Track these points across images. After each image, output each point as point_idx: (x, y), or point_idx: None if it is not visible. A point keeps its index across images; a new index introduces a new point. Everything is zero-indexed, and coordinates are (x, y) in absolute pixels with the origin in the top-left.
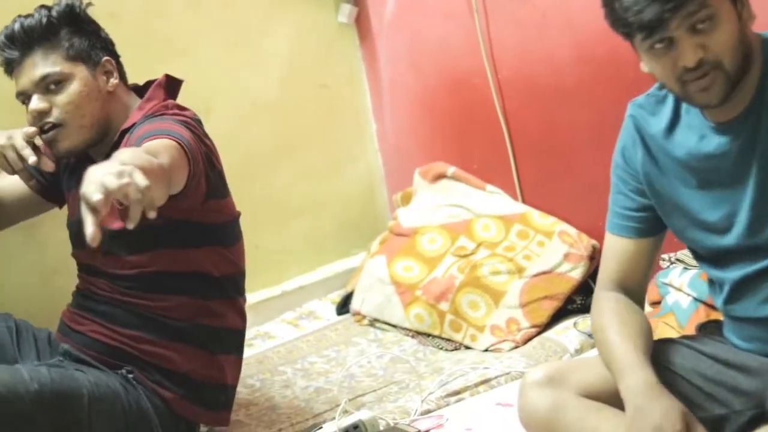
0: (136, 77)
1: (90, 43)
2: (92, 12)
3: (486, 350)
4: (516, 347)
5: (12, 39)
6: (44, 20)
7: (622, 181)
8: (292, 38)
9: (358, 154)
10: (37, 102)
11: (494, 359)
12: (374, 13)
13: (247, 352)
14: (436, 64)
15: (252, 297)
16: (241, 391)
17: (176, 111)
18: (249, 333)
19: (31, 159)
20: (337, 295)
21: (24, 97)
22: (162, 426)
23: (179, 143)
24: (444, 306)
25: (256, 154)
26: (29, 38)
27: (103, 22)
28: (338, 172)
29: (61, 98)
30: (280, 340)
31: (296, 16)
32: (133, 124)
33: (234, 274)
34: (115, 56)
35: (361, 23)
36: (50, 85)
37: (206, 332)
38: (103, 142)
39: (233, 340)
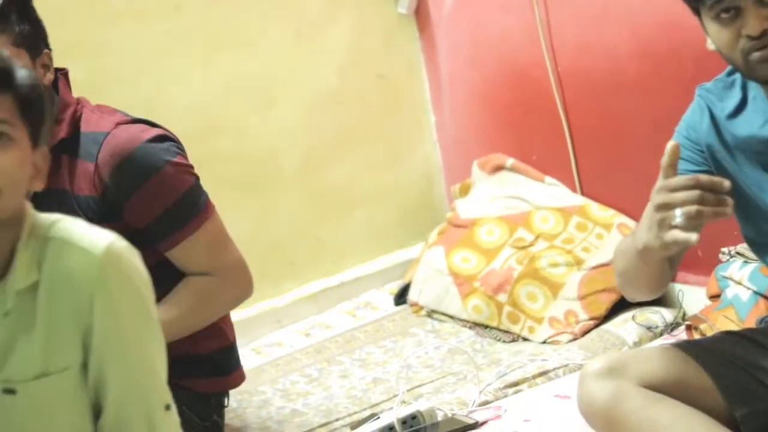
0: (200, 68)
1: (35, 31)
2: (155, 5)
3: (544, 342)
4: (574, 339)
5: None
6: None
7: (682, 146)
8: (352, 29)
9: (416, 146)
10: None
11: (552, 351)
12: (434, 4)
13: (305, 342)
14: (495, 56)
15: (310, 287)
16: (299, 381)
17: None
18: (307, 323)
19: None
20: (394, 286)
21: None
22: (194, 412)
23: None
24: (502, 297)
25: (316, 145)
26: None
27: (167, 15)
28: (397, 164)
29: None
30: (338, 330)
31: (357, 7)
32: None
33: None
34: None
35: (421, 14)
36: None
37: None
38: None
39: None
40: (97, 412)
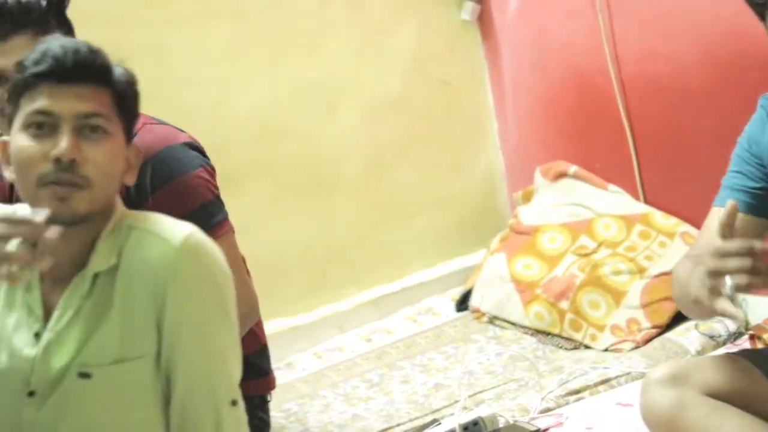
0: (260, 74)
1: (71, 35)
2: (219, 10)
3: (606, 350)
4: (636, 347)
5: (2, 11)
6: (43, 3)
7: (742, 160)
8: (415, 35)
9: (479, 152)
10: None
11: (614, 359)
12: (497, 10)
13: (366, 347)
14: (558, 62)
15: (372, 292)
16: (360, 386)
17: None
18: (368, 328)
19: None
20: (456, 292)
21: None
22: None
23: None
24: (564, 305)
25: (379, 151)
26: (24, 17)
27: (228, 21)
28: (459, 170)
29: None
30: (399, 335)
31: (420, 13)
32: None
33: None
34: None
35: (484, 21)
36: None
37: None
38: None
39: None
40: (168, 402)
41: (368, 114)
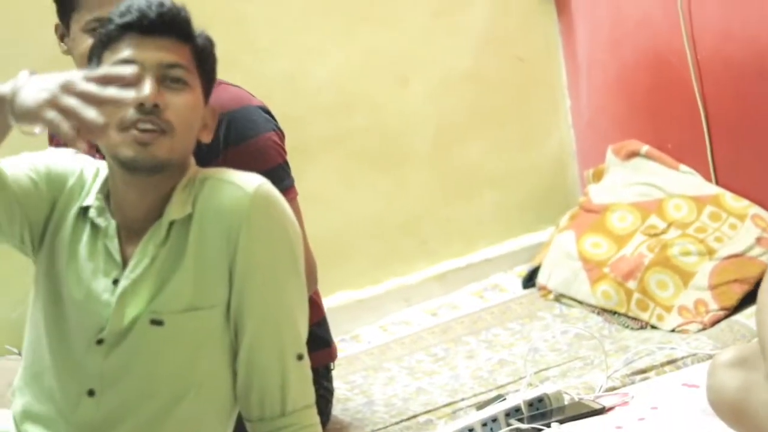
0: (334, 46)
1: None
2: None
3: (672, 331)
4: (703, 329)
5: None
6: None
7: None
8: (490, 10)
9: (550, 129)
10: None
11: (681, 340)
12: None
13: (431, 321)
14: (634, 41)
15: (438, 267)
16: (424, 360)
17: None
18: (434, 302)
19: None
20: (523, 269)
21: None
22: None
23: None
24: (631, 284)
25: (450, 125)
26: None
27: None
28: (530, 146)
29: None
30: (465, 311)
31: None
32: None
33: None
34: None
35: None
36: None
37: None
38: None
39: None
40: (236, 356)
41: (440, 87)
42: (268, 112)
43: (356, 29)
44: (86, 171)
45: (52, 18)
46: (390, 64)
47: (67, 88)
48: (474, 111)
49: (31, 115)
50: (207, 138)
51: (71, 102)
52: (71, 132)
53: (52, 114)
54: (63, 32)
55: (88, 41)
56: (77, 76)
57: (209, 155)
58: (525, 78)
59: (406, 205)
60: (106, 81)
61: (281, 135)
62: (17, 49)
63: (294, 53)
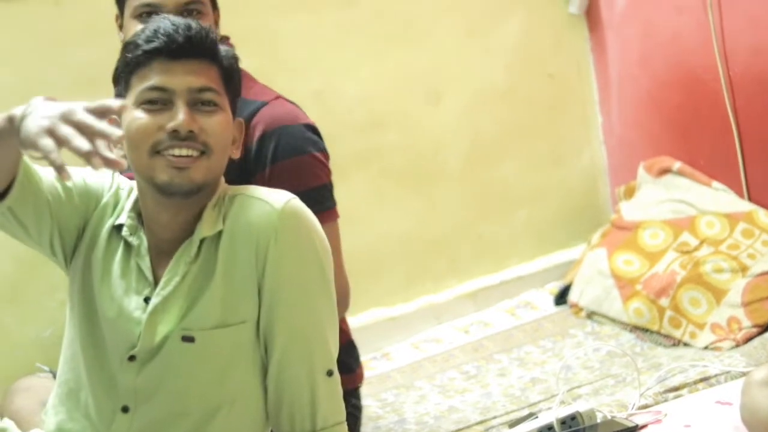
0: (368, 60)
1: None
2: None
3: (705, 348)
4: (736, 346)
5: None
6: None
7: None
8: (522, 27)
9: (582, 146)
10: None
11: (714, 357)
12: (605, 4)
13: (463, 339)
14: (666, 58)
15: (470, 285)
16: (456, 378)
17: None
18: (466, 320)
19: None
20: (555, 286)
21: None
22: None
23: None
24: (664, 302)
25: (482, 141)
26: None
27: (340, 7)
28: (562, 163)
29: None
30: (497, 328)
31: (528, 5)
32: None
33: None
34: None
35: (592, 14)
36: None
37: None
38: None
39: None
40: (266, 371)
41: (472, 105)
42: (317, 133)
43: (388, 48)
44: (121, 189)
45: (78, 41)
46: (421, 81)
47: (66, 118)
48: (505, 128)
49: (30, 141)
50: (237, 154)
51: (67, 131)
52: (58, 161)
53: (46, 141)
54: (121, 21)
55: (137, 27)
56: (79, 107)
57: (257, 167)
58: (556, 95)
59: (438, 223)
60: (102, 113)
61: (327, 156)
62: (42, 73)
63: (326, 71)
